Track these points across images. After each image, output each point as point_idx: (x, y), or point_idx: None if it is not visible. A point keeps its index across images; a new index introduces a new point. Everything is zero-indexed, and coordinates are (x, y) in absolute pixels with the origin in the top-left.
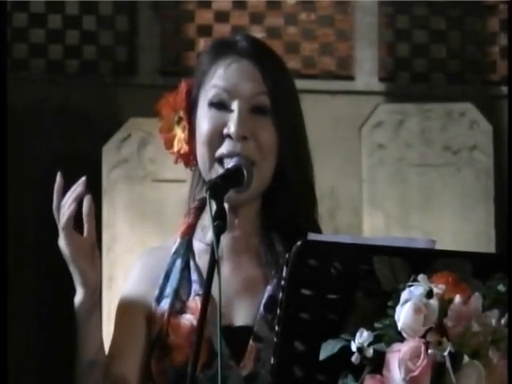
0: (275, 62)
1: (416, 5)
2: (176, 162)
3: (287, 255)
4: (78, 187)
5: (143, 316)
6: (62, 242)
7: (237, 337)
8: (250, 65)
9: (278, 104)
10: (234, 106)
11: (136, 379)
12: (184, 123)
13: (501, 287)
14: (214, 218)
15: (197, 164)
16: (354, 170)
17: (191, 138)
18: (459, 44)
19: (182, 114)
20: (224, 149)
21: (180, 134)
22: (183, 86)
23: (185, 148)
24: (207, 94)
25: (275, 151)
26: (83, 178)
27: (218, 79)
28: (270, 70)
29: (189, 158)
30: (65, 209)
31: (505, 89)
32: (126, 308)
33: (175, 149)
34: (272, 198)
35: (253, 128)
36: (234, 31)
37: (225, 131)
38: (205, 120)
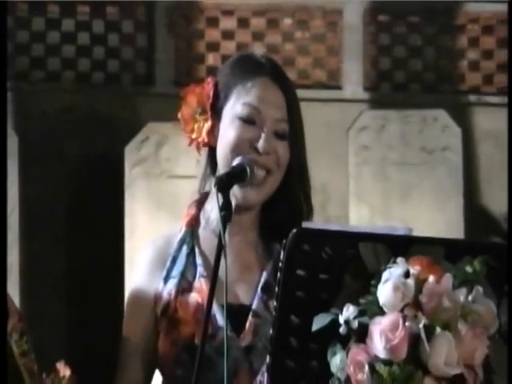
0: (293, 89)
1: (396, 24)
2: (190, 145)
3: (284, 241)
4: None
5: (152, 296)
6: None
7: (236, 314)
8: (278, 90)
9: (295, 130)
10: (264, 125)
11: (144, 364)
12: (207, 116)
13: (468, 268)
14: (221, 209)
15: (205, 156)
16: (342, 168)
17: (212, 132)
18: (433, 58)
19: (207, 108)
20: (249, 157)
21: (201, 123)
22: (210, 82)
23: (204, 137)
24: (239, 107)
25: (286, 165)
26: None
27: (251, 98)
28: (291, 99)
29: (201, 145)
30: None
31: (472, 97)
32: (138, 294)
33: (194, 135)
34: (271, 203)
35: (274, 146)
36: (239, 48)
37: (254, 144)
38: (234, 129)
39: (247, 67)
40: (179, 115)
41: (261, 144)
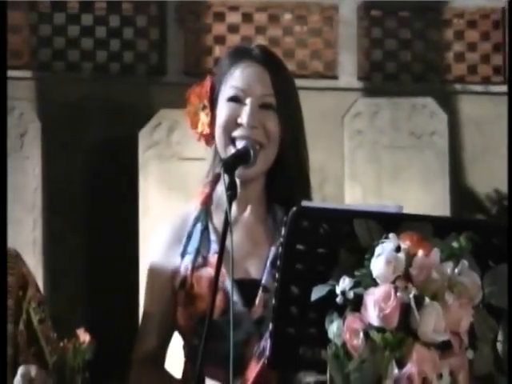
0: (281, 69)
1: (387, 19)
2: (199, 140)
3: (285, 218)
4: None
5: (170, 271)
6: None
7: (248, 288)
8: (262, 70)
9: (282, 103)
10: (247, 101)
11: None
12: (207, 110)
13: (454, 244)
14: (227, 189)
15: (215, 143)
16: (338, 151)
17: (212, 123)
18: (422, 50)
19: (206, 102)
20: (237, 133)
21: (203, 118)
22: (208, 80)
23: (207, 130)
24: (227, 90)
25: (278, 139)
26: None
27: (235, 80)
28: (277, 75)
29: (208, 138)
30: None
31: (458, 86)
32: (157, 268)
33: (199, 129)
34: (273, 178)
35: (261, 119)
36: (243, 40)
37: (239, 120)
38: (223, 110)
39: (236, 56)
40: (186, 114)
41: (243, 117)
